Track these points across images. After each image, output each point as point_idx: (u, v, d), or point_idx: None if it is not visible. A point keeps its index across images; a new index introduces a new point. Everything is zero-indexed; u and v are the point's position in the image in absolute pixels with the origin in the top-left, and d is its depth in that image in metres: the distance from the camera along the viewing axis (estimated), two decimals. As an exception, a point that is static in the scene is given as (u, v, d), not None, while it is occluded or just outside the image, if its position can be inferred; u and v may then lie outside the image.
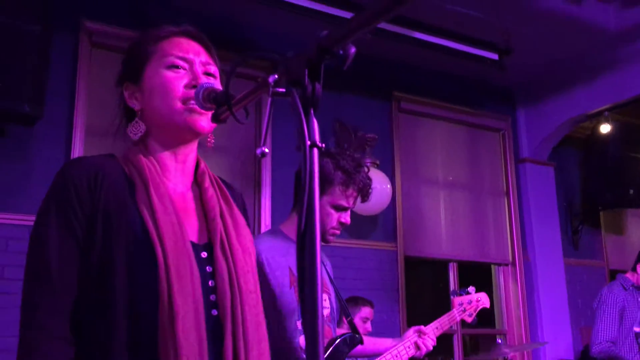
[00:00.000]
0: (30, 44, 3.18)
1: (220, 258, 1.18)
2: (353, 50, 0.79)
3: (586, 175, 5.80)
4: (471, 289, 2.81)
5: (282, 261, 1.95)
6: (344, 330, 2.23)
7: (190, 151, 1.29)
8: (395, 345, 2.42)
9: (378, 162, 4.64)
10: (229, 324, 1.14)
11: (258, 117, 4.34)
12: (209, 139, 1.29)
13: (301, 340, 1.90)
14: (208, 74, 1.27)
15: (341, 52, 0.79)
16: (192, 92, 1.18)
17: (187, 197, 1.26)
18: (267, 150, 0.83)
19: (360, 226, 4.49)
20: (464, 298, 2.77)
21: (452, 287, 4.98)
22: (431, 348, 2.48)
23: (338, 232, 2.07)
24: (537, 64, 5.15)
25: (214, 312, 1.15)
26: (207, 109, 1.14)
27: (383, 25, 3.88)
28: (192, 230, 1.21)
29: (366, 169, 2.11)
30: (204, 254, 1.19)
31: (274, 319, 1.86)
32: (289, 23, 4.15)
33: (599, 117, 5.33)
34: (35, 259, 1.14)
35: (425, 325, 2.53)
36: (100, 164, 1.20)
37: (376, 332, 3.93)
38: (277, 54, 0.90)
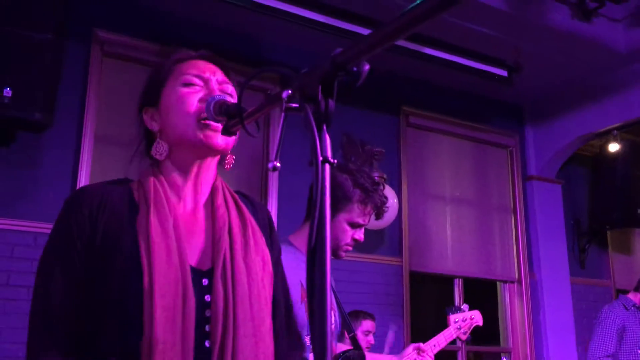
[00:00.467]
0: (43, 52, 3.21)
1: (219, 286, 1.12)
2: (367, 67, 0.79)
3: (594, 193, 5.76)
4: (465, 306, 2.82)
5: (293, 276, 1.94)
6: (346, 345, 2.21)
7: (206, 169, 1.25)
8: None
9: (385, 177, 4.62)
10: (215, 358, 1.09)
11: (266, 128, 4.35)
12: (227, 160, 1.26)
13: (310, 358, 1.89)
14: (224, 92, 1.23)
15: (355, 69, 0.78)
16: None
17: (198, 217, 1.22)
18: (278, 164, 0.83)
19: (366, 240, 4.42)
20: (459, 315, 2.77)
21: (456, 303, 4.94)
22: None
23: (350, 248, 2.07)
24: (546, 82, 5.15)
25: (207, 343, 1.09)
26: (218, 122, 1.13)
27: (393, 40, 3.88)
28: (196, 254, 1.17)
29: (382, 187, 2.10)
30: (205, 281, 1.14)
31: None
32: (300, 37, 4.17)
33: (607, 136, 5.31)
34: (36, 294, 1.15)
35: (424, 342, 2.53)
36: (104, 191, 1.19)
37: (379, 346, 3.92)
38: (288, 67, 0.90)
